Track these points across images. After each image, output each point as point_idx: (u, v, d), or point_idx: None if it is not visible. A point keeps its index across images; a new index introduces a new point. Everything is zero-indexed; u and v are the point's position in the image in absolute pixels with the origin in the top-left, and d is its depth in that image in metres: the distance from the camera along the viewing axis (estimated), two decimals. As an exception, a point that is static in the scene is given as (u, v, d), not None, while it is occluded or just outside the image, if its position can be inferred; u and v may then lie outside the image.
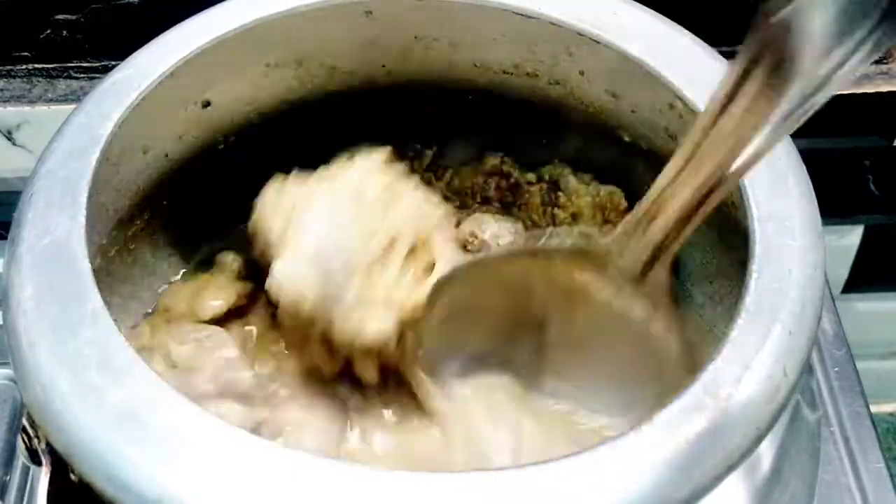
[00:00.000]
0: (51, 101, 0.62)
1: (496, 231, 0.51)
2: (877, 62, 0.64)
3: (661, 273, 0.39)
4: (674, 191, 0.36)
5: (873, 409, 0.57)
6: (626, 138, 0.48)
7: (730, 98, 0.32)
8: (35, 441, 0.37)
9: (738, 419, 0.33)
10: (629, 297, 0.41)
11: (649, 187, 0.38)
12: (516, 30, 0.46)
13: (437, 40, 0.48)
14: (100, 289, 0.36)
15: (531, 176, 0.53)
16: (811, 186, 0.40)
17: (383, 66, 0.50)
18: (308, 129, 0.51)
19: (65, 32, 0.59)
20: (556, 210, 0.52)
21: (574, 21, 0.45)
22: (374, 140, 0.53)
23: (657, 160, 0.47)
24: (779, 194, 0.39)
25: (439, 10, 0.47)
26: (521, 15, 0.45)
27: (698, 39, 0.45)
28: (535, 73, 0.49)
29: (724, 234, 0.43)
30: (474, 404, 0.45)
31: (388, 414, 0.45)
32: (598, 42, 0.44)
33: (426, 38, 0.48)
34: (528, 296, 0.44)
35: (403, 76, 0.50)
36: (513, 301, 0.44)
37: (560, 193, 0.52)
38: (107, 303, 0.36)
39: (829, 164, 0.69)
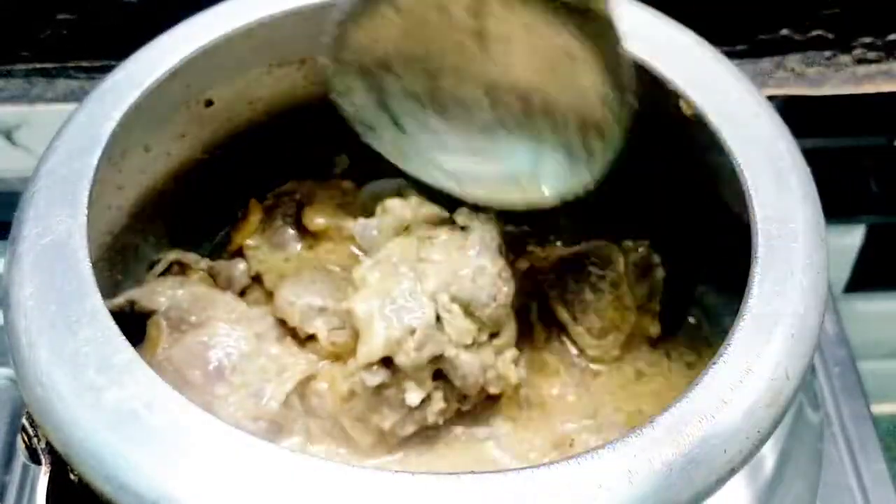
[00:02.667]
0: (50, 100, 0.62)
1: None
2: (877, 62, 0.64)
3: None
4: None
5: (874, 409, 0.57)
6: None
7: None
8: (35, 440, 0.37)
9: (741, 423, 0.33)
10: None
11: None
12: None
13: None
14: (100, 288, 0.36)
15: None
16: (815, 187, 0.40)
17: (385, 65, 0.50)
18: (310, 128, 0.51)
19: (65, 32, 0.59)
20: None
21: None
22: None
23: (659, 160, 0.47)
24: (782, 196, 0.39)
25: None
26: (524, 15, 0.45)
27: (701, 39, 0.45)
28: (537, 73, 0.49)
29: (726, 235, 0.43)
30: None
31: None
32: (601, 42, 0.44)
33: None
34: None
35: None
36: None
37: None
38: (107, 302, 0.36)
39: (830, 164, 0.69)
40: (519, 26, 0.40)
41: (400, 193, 0.49)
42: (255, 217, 0.51)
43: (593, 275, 0.48)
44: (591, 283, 0.48)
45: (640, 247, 0.49)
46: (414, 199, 0.46)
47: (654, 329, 0.48)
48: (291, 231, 0.50)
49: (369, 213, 0.48)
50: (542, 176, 0.43)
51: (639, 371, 0.47)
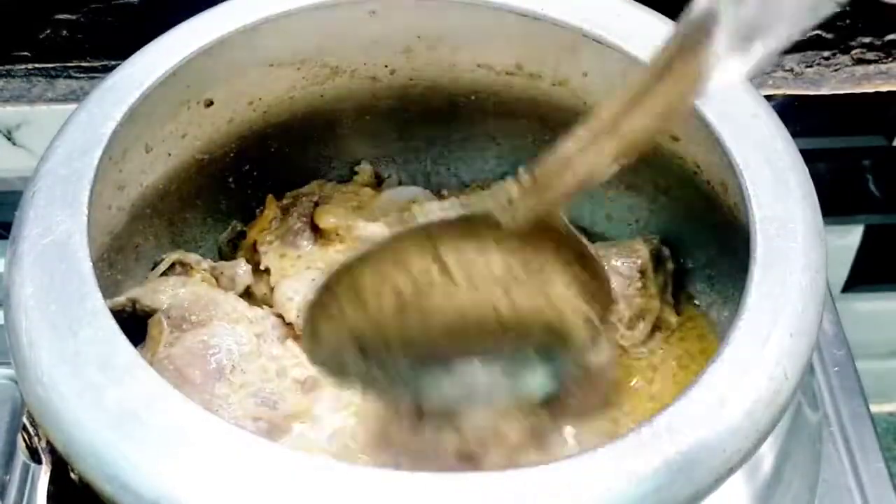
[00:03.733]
0: (51, 100, 0.62)
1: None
2: (876, 62, 0.64)
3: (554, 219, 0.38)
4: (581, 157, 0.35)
5: (873, 408, 0.57)
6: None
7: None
8: (35, 440, 0.37)
9: (739, 422, 0.33)
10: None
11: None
12: (519, 30, 0.46)
13: (440, 40, 0.48)
14: (101, 288, 0.36)
15: None
16: (813, 187, 0.40)
17: (386, 65, 0.50)
18: (310, 129, 0.51)
19: (65, 32, 0.59)
20: None
21: (577, 22, 0.45)
22: (376, 140, 0.53)
23: (660, 161, 0.47)
24: (780, 195, 0.39)
25: (442, 10, 0.47)
26: (525, 15, 0.45)
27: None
28: (538, 74, 0.49)
29: (725, 235, 0.43)
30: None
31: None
32: (602, 43, 0.44)
33: (429, 38, 0.48)
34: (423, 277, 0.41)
35: (406, 76, 0.50)
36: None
37: None
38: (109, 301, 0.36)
39: (828, 164, 0.69)
40: (480, 260, 0.40)
41: (415, 201, 0.49)
42: (270, 212, 0.51)
43: (621, 264, 0.48)
44: (619, 272, 0.48)
45: (653, 239, 0.50)
46: None
47: (674, 318, 0.49)
48: (305, 230, 0.50)
49: (385, 218, 0.48)
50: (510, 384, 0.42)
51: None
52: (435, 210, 0.41)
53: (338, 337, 0.41)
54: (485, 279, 0.40)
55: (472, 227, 0.39)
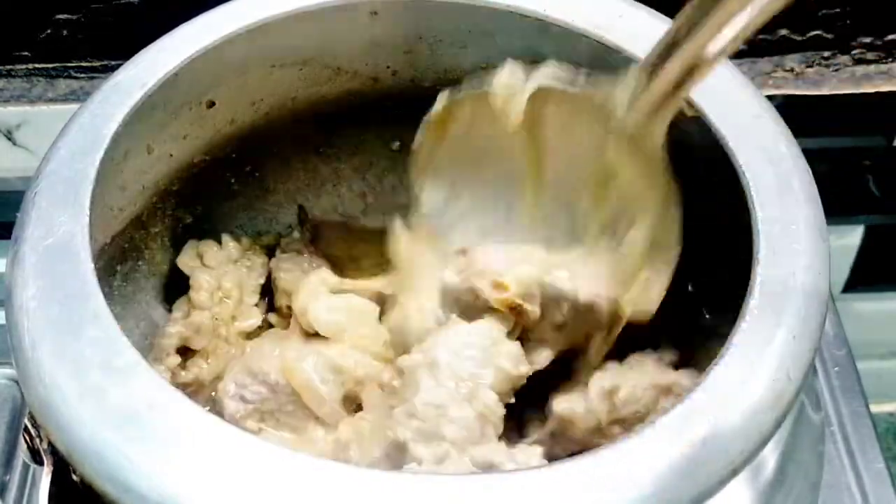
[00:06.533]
0: (51, 100, 0.62)
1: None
2: (876, 62, 0.64)
3: (658, 131, 0.40)
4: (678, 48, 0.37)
5: (873, 408, 0.57)
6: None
7: None
8: (37, 441, 0.37)
9: (742, 424, 0.33)
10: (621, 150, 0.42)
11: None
12: (522, 31, 0.46)
13: (442, 41, 0.48)
14: (102, 289, 0.36)
15: None
16: (816, 188, 0.40)
17: (388, 66, 0.50)
18: (312, 130, 0.51)
19: (65, 32, 0.59)
20: None
21: (580, 23, 0.45)
22: (377, 140, 0.53)
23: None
24: (783, 197, 0.39)
25: (444, 12, 0.47)
26: (527, 17, 0.46)
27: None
28: (540, 75, 0.49)
29: (728, 236, 0.43)
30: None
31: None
32: (603, 44, 0.44)
33: (431, 39, 0.48)
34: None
35: (408, 77, 0.50)
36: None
37: None
38: (109, 303, 0.36)
39: (829, 164, 0.69)
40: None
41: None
42: None
43: None
44: None
45: None
46: None
47: None
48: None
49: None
50: None
51: None
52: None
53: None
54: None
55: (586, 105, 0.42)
